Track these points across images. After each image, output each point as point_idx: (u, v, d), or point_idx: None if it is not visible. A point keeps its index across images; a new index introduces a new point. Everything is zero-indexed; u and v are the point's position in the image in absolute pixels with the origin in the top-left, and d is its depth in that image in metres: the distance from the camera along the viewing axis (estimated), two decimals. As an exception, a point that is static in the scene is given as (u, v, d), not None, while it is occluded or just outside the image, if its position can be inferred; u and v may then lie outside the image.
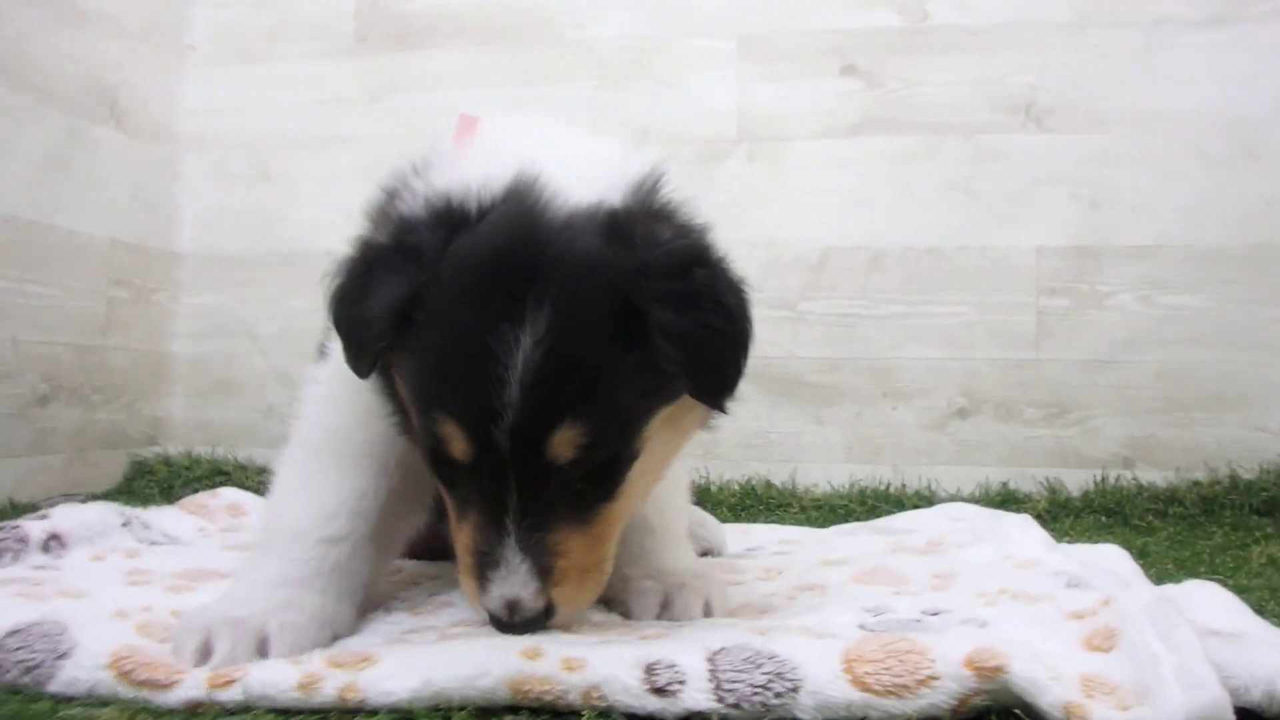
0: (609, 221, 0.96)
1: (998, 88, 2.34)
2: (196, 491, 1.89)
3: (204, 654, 0.90)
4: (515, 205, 0.96)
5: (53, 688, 0.88)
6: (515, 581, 0.93)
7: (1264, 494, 2.16)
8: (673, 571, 1.15)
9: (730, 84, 2.39)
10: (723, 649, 0.85)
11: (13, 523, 1.26)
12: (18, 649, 0.90)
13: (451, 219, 0.96)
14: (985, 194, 2.32)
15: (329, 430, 1.10)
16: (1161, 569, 1.55)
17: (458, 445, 0.93)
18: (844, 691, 0.80)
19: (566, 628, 0.98)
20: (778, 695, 0.80)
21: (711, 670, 0.82)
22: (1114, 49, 2.30)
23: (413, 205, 0.99)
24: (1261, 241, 2.23)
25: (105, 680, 0.87)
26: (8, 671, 0.89)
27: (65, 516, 1.32)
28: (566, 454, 0.91)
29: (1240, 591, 1.15)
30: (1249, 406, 2.26)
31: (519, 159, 0.99)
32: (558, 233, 0.93)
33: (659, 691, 0.80)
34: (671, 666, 0.82)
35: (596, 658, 0.85)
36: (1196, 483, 2.22)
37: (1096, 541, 1.58)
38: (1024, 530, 1.51)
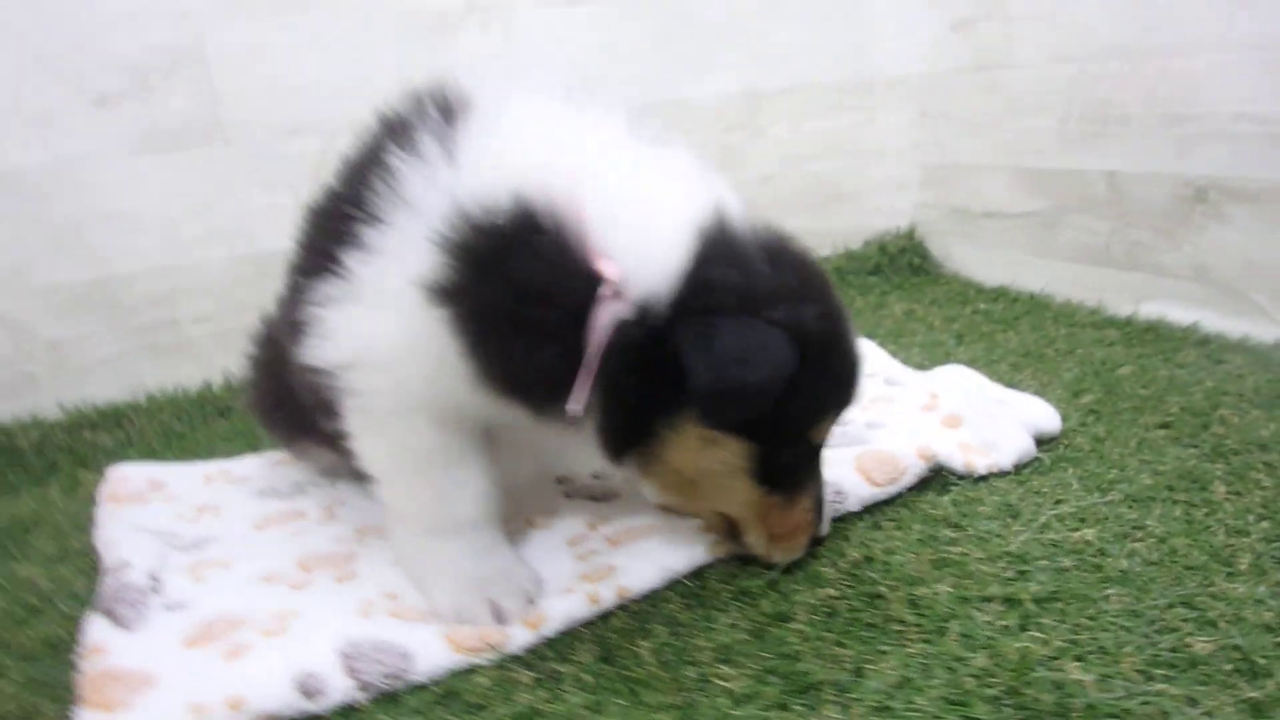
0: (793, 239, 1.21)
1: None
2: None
3: (500, 619, 1.17)
4: (766, 231, 1.13)
5: (416, 680, 1.10)
6: (827, 516, 1.27)
7: (870, 260, 3.05)
8: None
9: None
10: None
11: (126, 584, 1.28)
12: (375, 663, 1.10)
13: (750, 258, 1.07)
14: (678, 51, 2.73)
15: (430, 445, 1.18)
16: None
17: (824, 431, 1.18)
18: (862, 487, 1.39)
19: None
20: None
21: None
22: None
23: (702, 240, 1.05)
24: (864, 77, 2.96)
25: (457, 660, 1.12)
26: (371, 684, 1.08)
27: (142, 555, 1.36)
28: None
29: (904, 347, 1.97)
30: (855, 199, 3.08)
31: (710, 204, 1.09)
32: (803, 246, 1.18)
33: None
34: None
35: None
36: (826, 257, 3.05)
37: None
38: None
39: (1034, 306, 2.47)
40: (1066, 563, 1.20)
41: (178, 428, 2.21)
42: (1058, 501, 1.37)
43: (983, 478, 1.47)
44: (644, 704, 1.02)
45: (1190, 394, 1.72)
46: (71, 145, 2.18)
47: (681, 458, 1.11)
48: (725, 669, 1.06)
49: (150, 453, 2.04)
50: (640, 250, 1.03)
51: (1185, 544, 1.22)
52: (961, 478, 1.47)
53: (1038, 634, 1.05)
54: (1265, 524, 1.24)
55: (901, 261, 3.03)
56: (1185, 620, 1.05)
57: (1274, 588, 1.10)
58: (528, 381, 1.07)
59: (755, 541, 1.23)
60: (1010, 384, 1.82)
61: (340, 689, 1.08)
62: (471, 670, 1.13)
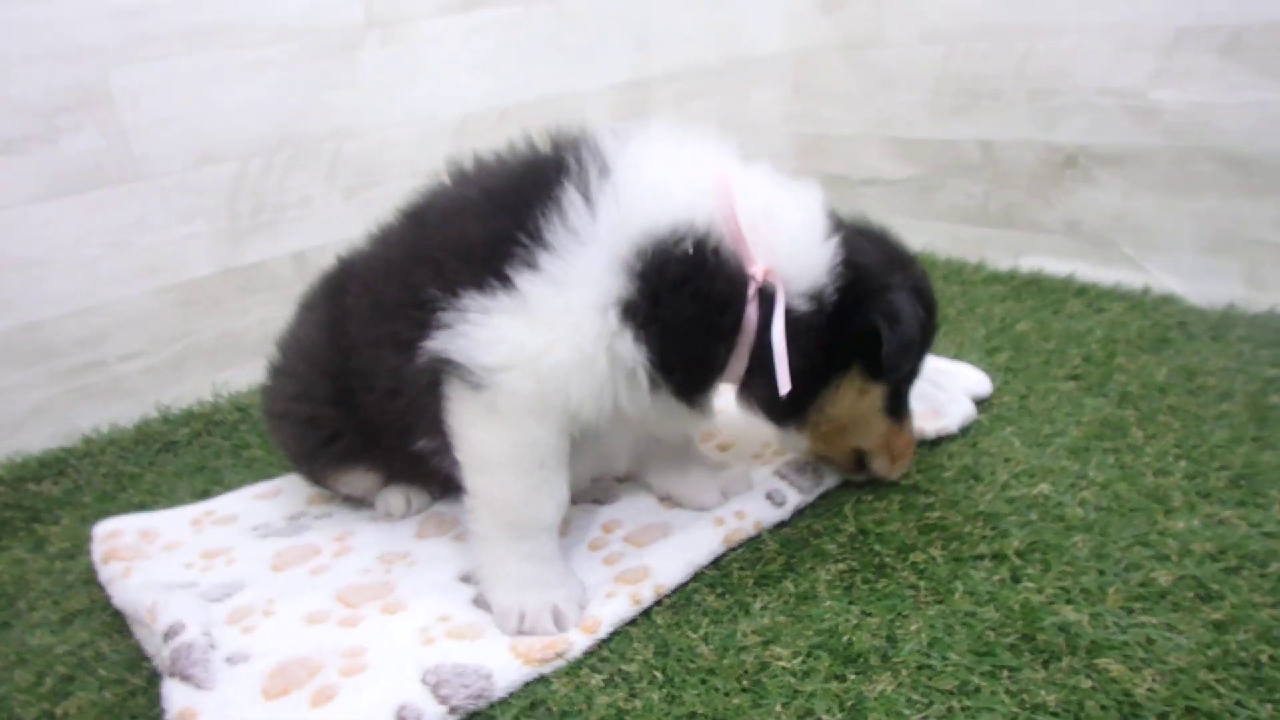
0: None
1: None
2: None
3: (560, 624, 1.29)
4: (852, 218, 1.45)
5: (498, 696, 1.20)
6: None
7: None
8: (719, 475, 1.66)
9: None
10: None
11: (190, 646, 1.30)
12: (460, 687, 1.19)
13: (868, 243, 1.40)
14: (569, 47, 2.82)
15: (545, 444, 1.29)
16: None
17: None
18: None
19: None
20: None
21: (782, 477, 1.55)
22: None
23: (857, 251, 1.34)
24: (738, 56, 3.11)
25: (529, 671, 1.23)
26: (460, 706, 1.17)
27: (185, 612, 1.39)
28: None
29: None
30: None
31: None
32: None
33: (777, 504, 1.49)
34: (775, 489, 1.51)
35: (731, 502, 1.49)
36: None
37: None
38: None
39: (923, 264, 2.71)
40: (1033, 516, 1.41)
41: (126, 468, 2.18)
42: (1007, 459, 1.58)
43: (934, 442, 1.67)
44: (717, 689, 1.16)
45: (1086, 344, 1.98)
46: (-23, 192, 2.09)
47: (839, 409, 1.41)
48: (776, 649, 1.21)
49: (105, 497, 2.02)
50: (794, 251, 1.29)
51: (1125, 489, 1.44)
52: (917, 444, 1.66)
53: (1030, 584, 1.25)
54: (1183, 463, 1.49)
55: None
56: (1145, 558, 1.27)
57: (1206, 520, 1.33)
58: (699, 375, 1.30)
59: (880, 465, 1.51)
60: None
61: (434, 715, 1.17)
62: (543, 680, 1.24)
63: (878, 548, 1.38)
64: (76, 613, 1.57)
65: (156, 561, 1.62)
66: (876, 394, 1.42)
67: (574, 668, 1.25)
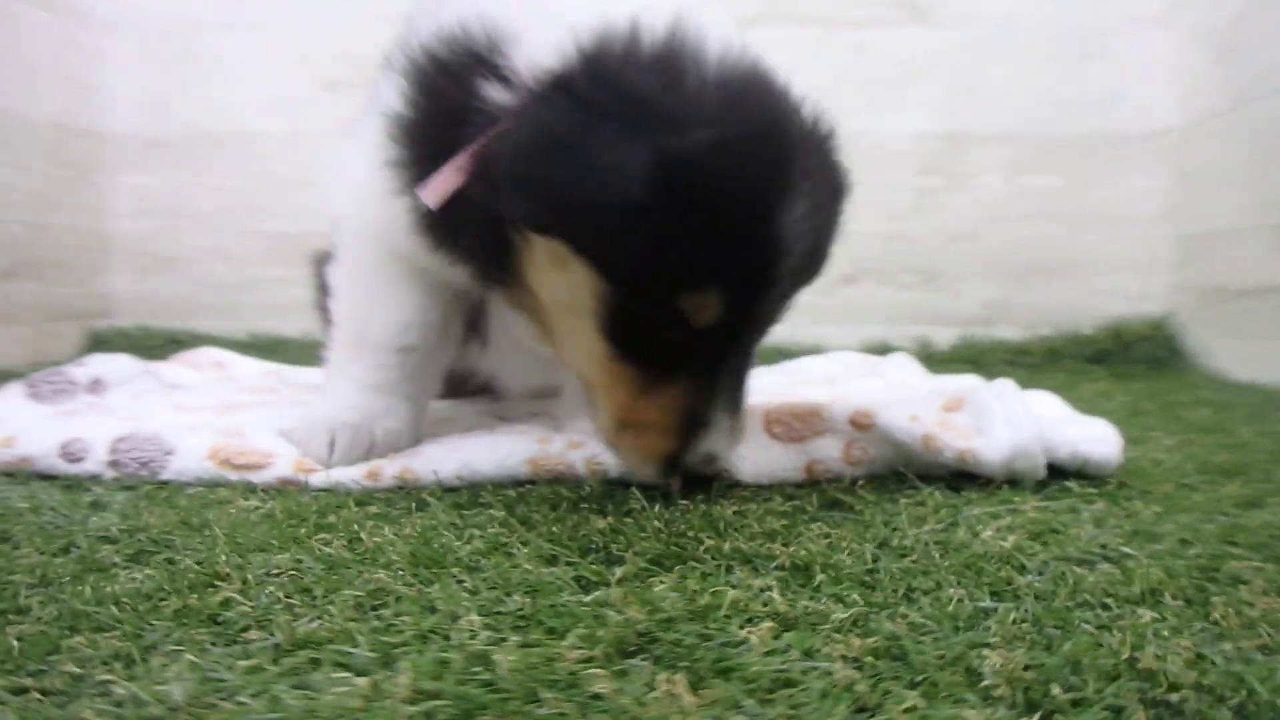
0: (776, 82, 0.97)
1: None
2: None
3: (330, 449, 1.12)
4: (735, 61, 0.92)
5: (165, 476, 1.11)
6: (718, 438, 0.96)
7: (1096, 346, 2.58)
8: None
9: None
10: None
11: (58, 369, 1.45)
12: (130, 450, 1.12)
13: (671, 69, 0.89)
14: (870, 83, 2.60)
15: (385, 253, 1.16)
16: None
17: (707, 313, 0.91)
18: (764, 440, 1.12)
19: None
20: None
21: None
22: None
23: (545, 44, 0.91)
24: (1104, 130, 2.59)
25: (209, 468, 1.11)
26: (125, 467, 1.12)
27: (100, 364, 1.51)
28: (780, 320, 1.01)
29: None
30: (1088, 273, 2.64)
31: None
32: (792, 103, 0.96)
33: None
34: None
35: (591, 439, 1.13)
36: (1045, 337, 2.62)
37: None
38: (900, 365, 1.86)
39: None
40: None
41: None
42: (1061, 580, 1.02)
43: (951, 481, 1.12)
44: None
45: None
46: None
47: (534, 277, 0.97)
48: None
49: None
50: (540, 42, 0.93)
51: None
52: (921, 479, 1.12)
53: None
54: None
55: (1139, 352, 2.53)
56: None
57: None
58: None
59: (602, 422, 1.01)
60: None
61: (96, 459, 1.14)
62: (234, 486, 1.10)
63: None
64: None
65: (190, 372, 1.77)
66: (580, 278, 0.91)
67: (251, 490, 1.07)
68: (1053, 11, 2.56)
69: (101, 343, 2.54)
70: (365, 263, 1.17)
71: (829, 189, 0.98)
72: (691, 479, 1.01)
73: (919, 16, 2.58)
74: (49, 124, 2.48)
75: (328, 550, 0.83)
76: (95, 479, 1.12)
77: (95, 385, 1.45)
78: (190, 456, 1.12)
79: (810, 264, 0.97)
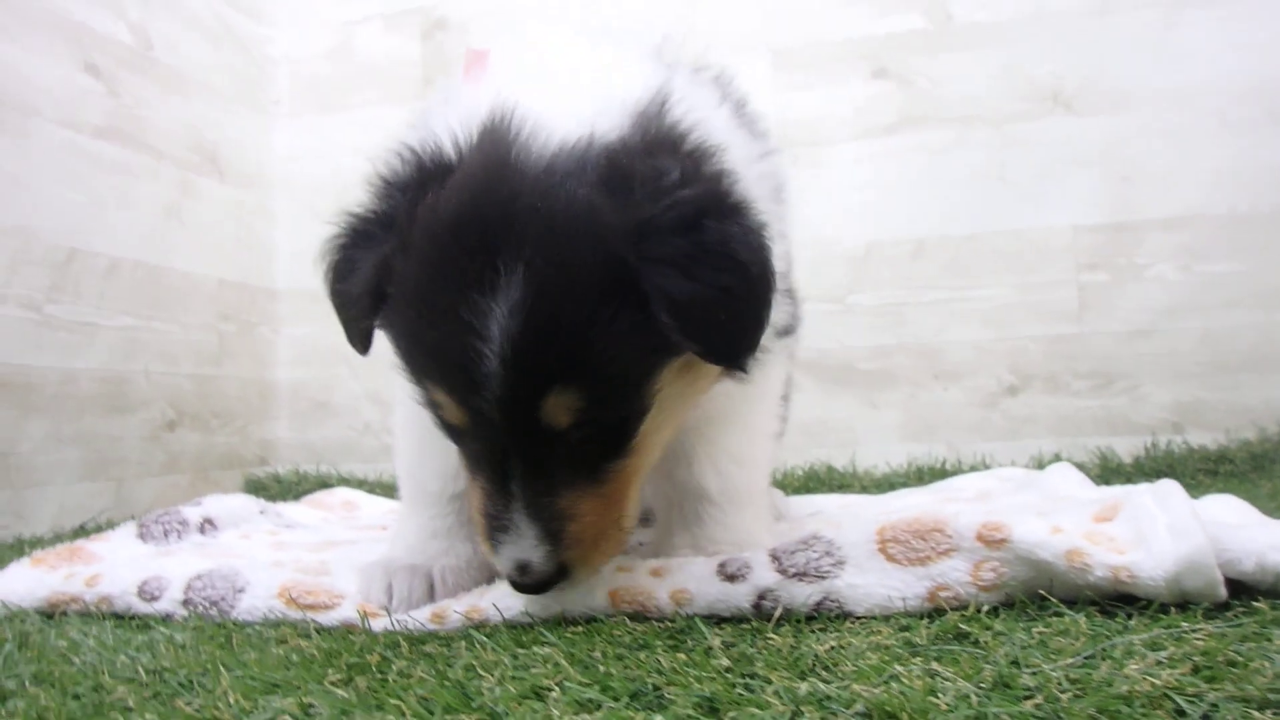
0: (603, 163, 0.86)
1: (1022, 77, 2.46)
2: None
3: (388, 594, 1.07)
4: (488, 151, 0.88)
5: (235, 615, 1.07)
6: (525, 545, 0.90)
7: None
8: (720, 541, 1.11)
9: (766, 94, 2.51)
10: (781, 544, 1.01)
11: (172, 509, 1.47)
12: (204, 589, 1.10)
13: (425, 176, 0.90)
14: (1017, 179, 2.44)
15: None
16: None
17: (451, 413, 0.91)
18: (879, 564, 0.96)
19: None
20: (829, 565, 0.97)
21: (773, 556, 0.98)
22: (1133, 29, 2.41)
23: (400, 163, 0.94)
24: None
25: (277, 606, 1.07)
26: (197, 605, 1.09)
27: (215, 504, 1.53)
28: (563, 420, 0.87)
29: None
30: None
31: (506, 90, 0.90)
32: (534, 182, 0.85)
33: (730, 578, 0.97)
34: (738, 560, 0.99)
35: (675, 565, 1.02)
36: (1247, 442, 2.29)
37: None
38: (1063, 474, 1.64)
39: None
40: None
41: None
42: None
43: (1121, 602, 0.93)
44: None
45: None
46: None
47: None
48: None
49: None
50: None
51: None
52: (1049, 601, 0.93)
53: None
54: None
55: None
56: None
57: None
58: None
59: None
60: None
61: (170, 598, 1.12)
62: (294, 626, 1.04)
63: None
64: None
65: (314, 512, 1.77)
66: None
67: (312, 630, 1.02)
68: (1213, 79, 2.35)
69: (259, 488, 2.63)
70: (414, 410, 1.06)
71: (580, 278, 0.84)
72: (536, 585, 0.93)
73: (1064, 106, 2.43)
74: (218, 281, 2.66)
75: (341, 694, 0.74)
76: (168, 618, 1.10)
77: (207, 525, 1.46)
78: (260, 594, 1.09)
79: (555, 361, 0.85)
